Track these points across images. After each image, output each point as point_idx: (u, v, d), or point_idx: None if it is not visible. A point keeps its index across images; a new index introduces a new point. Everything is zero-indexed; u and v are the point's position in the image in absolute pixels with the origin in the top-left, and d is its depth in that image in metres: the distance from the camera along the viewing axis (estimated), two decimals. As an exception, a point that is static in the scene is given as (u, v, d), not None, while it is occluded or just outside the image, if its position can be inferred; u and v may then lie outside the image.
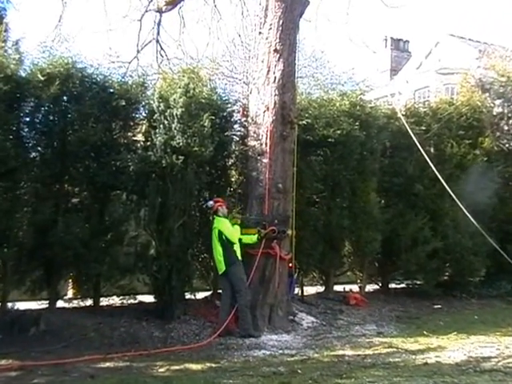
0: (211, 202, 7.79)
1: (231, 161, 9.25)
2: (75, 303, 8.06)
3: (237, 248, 7.56)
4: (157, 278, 7.59)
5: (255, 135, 8.27)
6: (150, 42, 12.00)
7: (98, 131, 7.52)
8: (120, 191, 8.04)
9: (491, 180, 10.74)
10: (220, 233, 7.49)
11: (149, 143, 7.77)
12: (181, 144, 7.48)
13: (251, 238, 7.76)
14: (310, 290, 10.19)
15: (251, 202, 8.22)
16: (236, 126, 9.11)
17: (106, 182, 7.65)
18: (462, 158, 10.77)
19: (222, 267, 7.50)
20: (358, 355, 6.38)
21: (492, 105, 12.08)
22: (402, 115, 10.39)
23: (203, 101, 7.97)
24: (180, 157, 7.42)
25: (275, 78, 8.22)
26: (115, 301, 8.38)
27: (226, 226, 7.55)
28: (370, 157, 10.00)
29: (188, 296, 8.54)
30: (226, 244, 7.48)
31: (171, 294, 7.61)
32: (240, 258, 7.57)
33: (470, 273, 10.95)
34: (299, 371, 5.63)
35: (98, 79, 7.85)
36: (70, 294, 8.31)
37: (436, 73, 24.47)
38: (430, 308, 9.98)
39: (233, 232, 7.57)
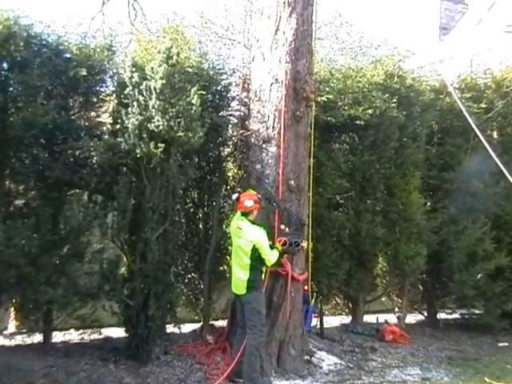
0: (251, 202, 7.35)
1: (227, 150, 9.30)
2: (19, 339, 8.09)
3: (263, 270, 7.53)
4: (129, 305, 7.60)
5: (259, 116, 8.27)
6: (119, -9, 12.02)
7: (49, 110, 7.50)
8: (80, 190, 8.05)
9: None
10: (255, 249, 7.26)
11: (118, 126, 7.77)
12: (161, 127, 7.46)
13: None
14: (332, 322, 10.25)
15: (254, 204, 8.22)
16: (234, 104, 9.14)
17: (61, 178, 7.63)
18: (535, 145, 10.80)
19: (241, 291, 7.34)
20: (397, 409, 6.39)
21: None
22: (455, 89, 10.37)
23: (190, 70, 8.01)
24: (160, 144, 7.41)
25: (286, 39, 8.21)
26: (73, 336, 8.42)
27: (266, 244, 7.33)
28: (412, 144, 10.04)
29: (170, 329, 8.58)
30: (258, 265, 7.33)
31: (148, 327, 7.59)
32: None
33: (546, 300, 10.93)
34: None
35: (50, 40, 7.84)
36: (12, 327, 8.34)
37: (502, 31, 24.41)
38: (494, 346, 10.01)
39: (270, 253, 7.41)
